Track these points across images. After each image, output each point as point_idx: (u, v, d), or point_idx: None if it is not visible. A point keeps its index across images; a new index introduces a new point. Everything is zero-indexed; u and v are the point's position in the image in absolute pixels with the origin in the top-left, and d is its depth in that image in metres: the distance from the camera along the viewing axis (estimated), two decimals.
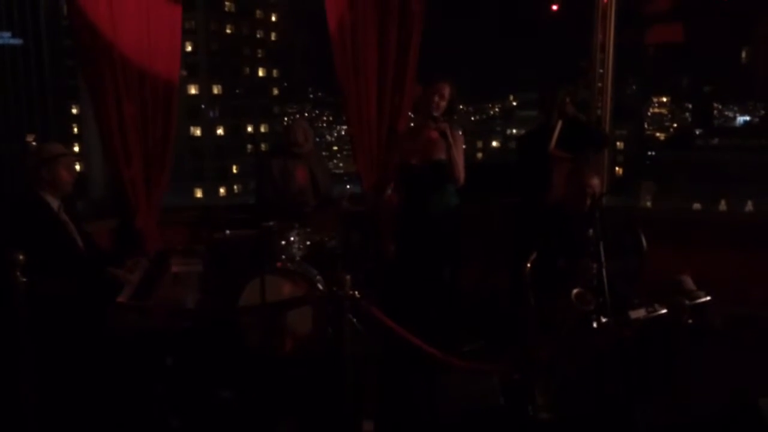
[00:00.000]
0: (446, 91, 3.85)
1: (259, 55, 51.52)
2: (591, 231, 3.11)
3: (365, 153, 5.06)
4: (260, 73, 51.72)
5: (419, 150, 3.91)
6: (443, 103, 3.85)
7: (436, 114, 3.83)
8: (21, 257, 2.83)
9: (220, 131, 47.98)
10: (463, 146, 4.04)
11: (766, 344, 3.89)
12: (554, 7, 7.05)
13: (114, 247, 4.86)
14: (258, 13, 51.26)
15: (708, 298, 3.10)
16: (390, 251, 4.21)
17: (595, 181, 3.55)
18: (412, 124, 4.39)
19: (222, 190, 46.15)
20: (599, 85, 4.82)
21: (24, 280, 2.83)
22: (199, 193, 43.96)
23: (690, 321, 2.98)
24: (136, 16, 4.72)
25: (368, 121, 4.99)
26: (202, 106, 46.82)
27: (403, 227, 4.08)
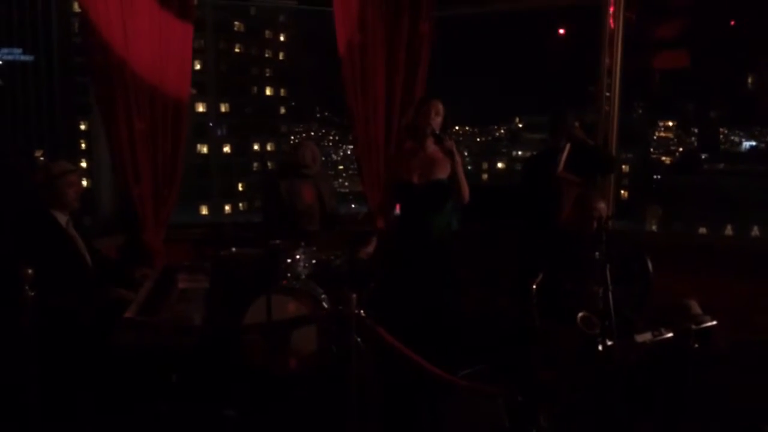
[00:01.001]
0: (440, 107, 3.82)
1: (267, 75, 51.90)
2: (597, 254, 3.12)
3: (371, 173, 5.09)
4: (268, 92, 52.03)
5: (420, 169, 3.85)
6: (439, 119, 3.80)
7: (436, 131, 3.79)
8: (30, 272, 2.86)
9: (227, 149, 48.20)
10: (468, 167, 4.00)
11: None
12: (561, 31, 7.09)
13: (121, 263, 4.88)
14: (267, 33, 51.71)
15: (714, 322, 3.09)
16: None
17: (602, 205, 3.57)
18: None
19: (228, 208, 46.21)
20: (606, 108, 4.85)
21: (32, 294, 2.85)
22: (204, 210, 44.02)
23: (696, 345, 2.96)
24: (149, 35, 4.78)
25: (375, 141, 5.03)
26: (210, 124, 47.10)
27: (401, 248, 4.00)
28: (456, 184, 3.80)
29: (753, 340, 4.07)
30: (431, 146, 3.84)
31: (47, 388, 2.98)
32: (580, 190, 3.92)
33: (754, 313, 4.32)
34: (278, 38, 52.81)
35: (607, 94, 4.84)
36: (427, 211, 3.85)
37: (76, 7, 4.83)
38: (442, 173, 3.81)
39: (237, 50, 49.25)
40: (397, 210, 4.19)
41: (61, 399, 3.13)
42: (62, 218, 3.53)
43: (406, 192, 3.91)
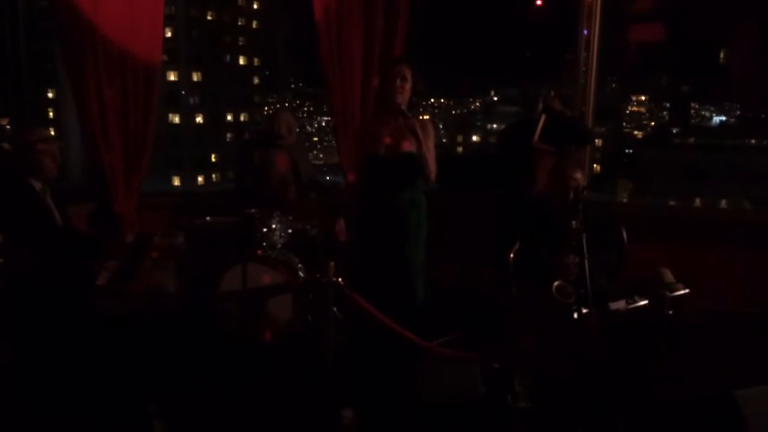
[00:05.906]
0: (408, 72, 3.52)
1: (241, 43, 51.07)
2: (573, 223, 3.14)
3: (348, 143, 5.03)
4: (241, 61, 51.26)
5: (388, 140, 3.56)
6: (408, 86, 3.51)
7: (400, 100, 3.48)
8: None
9: (199, 119, 47.49)
10: (435, 139, 3.72)
11: (740, 336, 3.96)
12: (538, 2, 7.04)
13: (91, 231, 4.80)
14: (240, 0, 50.80)
15: (687, 290, 3.14)
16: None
17: (578, 175, 3.59)
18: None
19: (200, 179, 45.72)
20: (582, 82, 4.85)
21: (0, 260, 2.79)
22: (176, 181, 43.48)
23: (670, 312, 3.01)
24: None
25: (352, 111, 4.96)
26: (183, 92, 46.28)
27: (365, 222, 3.74)
28: (419, 163, 3.52)
29: (722, 308, 4.16)
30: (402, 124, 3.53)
31: (19, 357, 2.93)
32: (556, 161, 3.92)
33: (723, 282, 4.42)
34: (252, 6, 51.91)
35: (584, 67, 4.83)
36: (392, 185, 3.58)
37: None
38: (413, 146, 3.51)
39: (209, 17, 48.28)
40: None
41: (33, 367, 3.08)
42: (39, 187, 3.44)
43: (371, 163, 3.64)
